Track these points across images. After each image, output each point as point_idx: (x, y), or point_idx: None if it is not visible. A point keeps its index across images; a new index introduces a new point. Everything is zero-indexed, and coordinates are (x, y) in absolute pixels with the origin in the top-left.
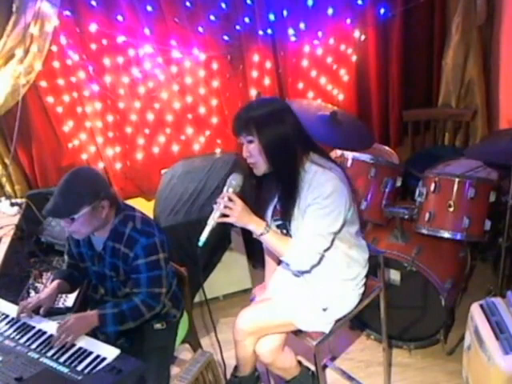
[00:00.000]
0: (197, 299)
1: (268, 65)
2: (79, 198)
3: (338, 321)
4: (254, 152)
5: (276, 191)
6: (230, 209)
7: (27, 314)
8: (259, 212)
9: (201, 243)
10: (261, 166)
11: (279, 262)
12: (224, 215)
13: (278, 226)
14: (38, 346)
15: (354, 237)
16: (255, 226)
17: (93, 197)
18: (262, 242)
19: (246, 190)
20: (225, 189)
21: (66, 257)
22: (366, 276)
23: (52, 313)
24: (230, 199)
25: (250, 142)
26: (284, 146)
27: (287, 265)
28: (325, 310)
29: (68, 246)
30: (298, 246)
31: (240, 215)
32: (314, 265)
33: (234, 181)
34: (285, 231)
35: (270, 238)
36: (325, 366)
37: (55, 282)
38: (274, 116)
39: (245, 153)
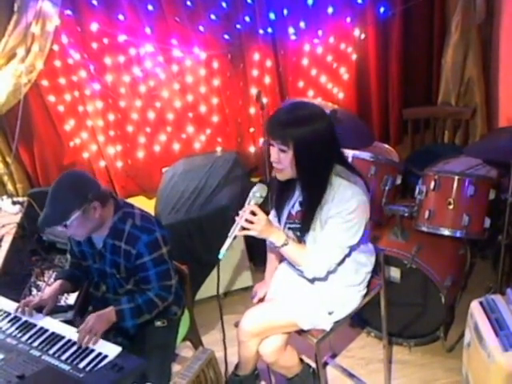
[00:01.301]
0: (198, 297)
1: (268, 63)
2: (67, 205)
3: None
4: (284, 161)
5: (292, 195)
6: (251, 222)
7: (28, 312)
8: (277, 213)
9: (221, 256)
10: (287, 174)
11: (281, 260)
12: (246, 228)
13: (290, 228)
14: (39, 344)
15: (364, 242)
16: (276, 238)
17: (81, 201)
18: (282, 252)
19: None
20: (247, 201)
21: (68, 256)
22: (370, 278)
23: (54, 311)
24: (253, 213)
25: (283, 151)
26: (317, 162)
27: (301, 272)
28: (330, 313)
29: (70, 245)
30: (317, 257)
31: (263, 229)
32: (329, 271)
33: (258, 193)
34: (298, 233)
35: (290, 250)
36: (325, 364)
37: (57, 283)
38: (312, 127)
39: (273, 157)
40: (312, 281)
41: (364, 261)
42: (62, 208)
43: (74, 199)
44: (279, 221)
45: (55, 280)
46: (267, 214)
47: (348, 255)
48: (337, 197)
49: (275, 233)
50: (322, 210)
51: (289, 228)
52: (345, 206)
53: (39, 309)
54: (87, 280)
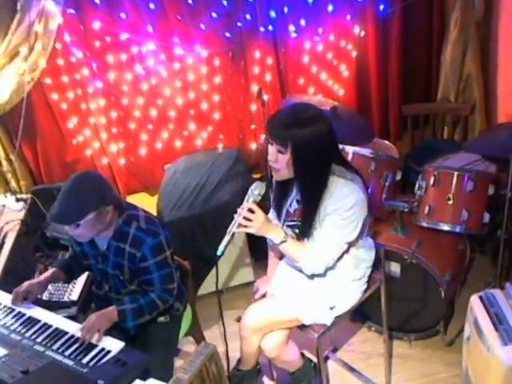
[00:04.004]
0: (200, 292)
1: (269, 61)
2: (85, 205)
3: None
4: (281, 161)
5: (290, 193)
6: (250, 220)
7: (19, 299)
8: (276, 211)
9: (219, 252)
10: (283, 175)
11: (281, 257)
12: (243, 225)
13: (289, 226)
14: (43, 340)
15: (363, 238)
16: (274, 235)
17: (98, 203)
18: (280, 249)
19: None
20: (246, 198)
21: (70, 248)
22: (370, 273)
23: (57, 306)
24: (251, 210)
25: (281, 152)
26: (315, 164)
27: (300, 268)
28: (332, 308)
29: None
30: (315, 254)
31: (260, 226)
32: (328, 268)
33: (256, 190)
34: (297, 231)
35: (289, 246)
36: (326, 358)
37: (50, 270)
38: (313, 129)
39: (271, 156)
40: (312, 277)
41: (364, 256)
42: (79, 207)
43: (92, 200)
44: (279, 219)
45: (51, 267)
46: (266, 211)
47: (347, 251)
48: (334, 194)
49: (273, 230)
50: (319, 208)
51: (288, 226)
52: (342, 203)
53: (27, 294)
54: (82, 273)
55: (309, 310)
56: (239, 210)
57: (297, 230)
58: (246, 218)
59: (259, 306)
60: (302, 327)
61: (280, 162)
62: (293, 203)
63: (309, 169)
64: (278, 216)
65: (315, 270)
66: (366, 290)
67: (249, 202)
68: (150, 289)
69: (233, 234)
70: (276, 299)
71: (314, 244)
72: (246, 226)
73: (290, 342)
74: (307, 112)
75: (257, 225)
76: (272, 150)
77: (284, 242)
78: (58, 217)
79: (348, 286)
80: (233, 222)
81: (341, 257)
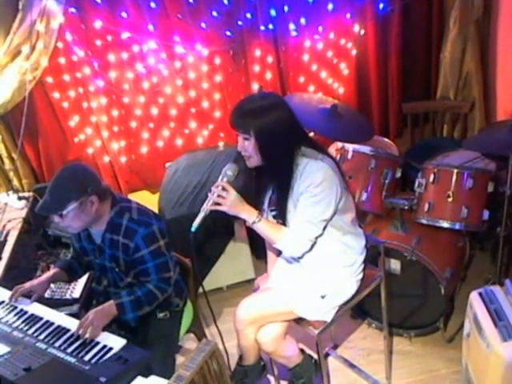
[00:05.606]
0: (201, 290)
1: (269, 59)
2: (65, 195)
3: (338, 309)
4: (248, 148)
5: (271, 183)
6: (222, 198)
7: (15, 297)
8: (257, 201)
9: (193, 229)
10: (254, 161)
11: (279, 253)
12: (217, 203)
13: (274, 217)
14: (45, 337)
15: (349, 224)
16: (247, 214)
17: (79, 193)
18: (255, 230)
19: (245, 179)
20: (219, 178)
21: (71, 249)
22: (364, 263)
23: (59, 304)
24: (224, 188)
25: (246, 139)
26: (279, 145)
27: (280, 250)
28: (323, 297)
29: (71, 240)
30: (290, 234)
31: (232, 204)
32: (305, 251)
33: (229, 171)
34: (281, 221)
35: (262, 226)
36: (327, 354)
37: (51, 271)
38: (272, 116)
39: (240, 146)
40: (301, 265)
41: (351, 243)
42: (60, 197)
43: (72, 190)
44: (261, 208)
45: (53, 268)
46: (239, 192)
47: (332, 235)
48: (304, 174)
49: (246, 210)
50: (292, 190)
51: (273, 216)
52: (311, 180)
53: (29, 295)
54: (84, 274)
55: (301, 301)
56: (213, 189)
57: (280, 220)
58: (219, 196)
59: (252, 299)
60: (301, 322)
61: (248, 149)
62: (274, 192)
63: (275, 153)
64: (261, 207)
65: (293, 251)
66: (363, 285)
67: (222, 181)
68: (146, 279)
69: (207, 211)
70: (269, 291)
71: (290, 224)
72: (219, 204)
73: (288, 338)
74: (266, 100)
75: (228, 203)
76: (239, 139)
77: (257, 222)
78: (42, 208)
79: (338, 273)
80: (207, 200)
81: (320, 236)
